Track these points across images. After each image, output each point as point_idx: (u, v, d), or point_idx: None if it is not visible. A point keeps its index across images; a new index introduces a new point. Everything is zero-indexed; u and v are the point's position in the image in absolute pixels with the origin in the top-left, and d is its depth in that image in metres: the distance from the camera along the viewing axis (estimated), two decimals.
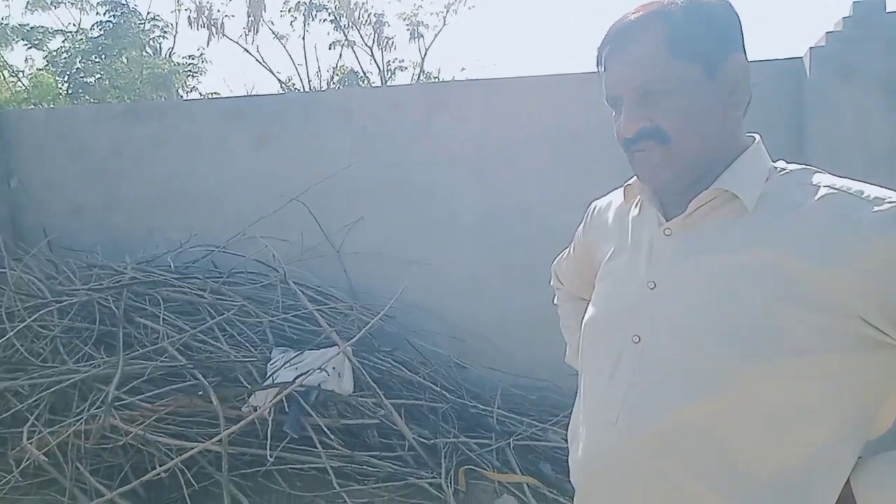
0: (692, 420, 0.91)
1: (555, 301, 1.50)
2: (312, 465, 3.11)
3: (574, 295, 1.42)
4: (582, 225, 1.29)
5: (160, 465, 3.04)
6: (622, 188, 1.12)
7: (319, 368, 3.17)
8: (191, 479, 3.00)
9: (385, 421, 3.25)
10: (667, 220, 1.01)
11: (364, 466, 3.11)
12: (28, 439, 3.10)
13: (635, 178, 1.06)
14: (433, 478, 3.00)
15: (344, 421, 3.25)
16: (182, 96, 13.61)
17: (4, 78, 11.90)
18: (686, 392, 0.91)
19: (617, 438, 0.97)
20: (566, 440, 3.31)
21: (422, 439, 3.19)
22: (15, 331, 3.41)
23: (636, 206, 1.10)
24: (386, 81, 17.59)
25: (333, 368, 3.30)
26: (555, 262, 1.47)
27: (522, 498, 2.92)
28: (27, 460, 3.11)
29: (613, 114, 1.02)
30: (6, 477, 3.13)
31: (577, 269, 1.34)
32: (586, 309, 1.14)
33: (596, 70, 1.04)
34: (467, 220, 4.09)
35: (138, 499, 3.00)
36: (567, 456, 3.27)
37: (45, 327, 3.68)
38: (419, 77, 18.10)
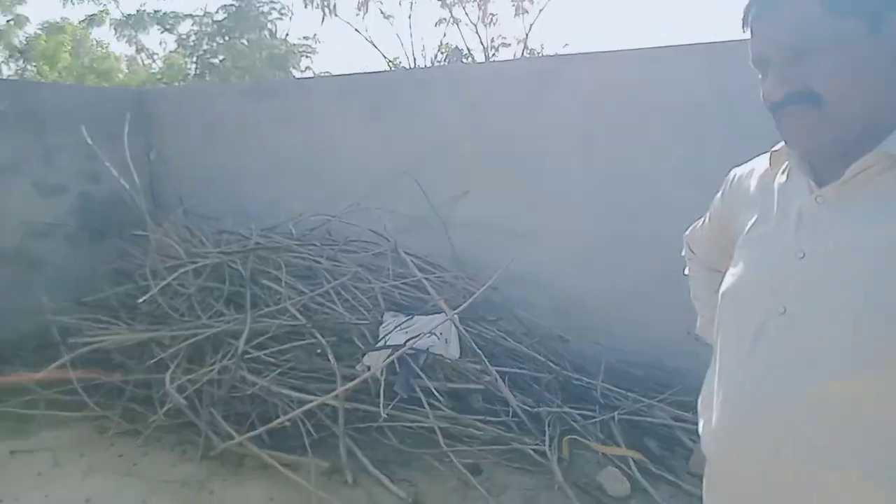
0: (840, 396, 0.87)
1: (685, 271, 1.48)
2: (421, 425, 3.25)
3: (707, 265, 1.38)
4: (720, 193, 1.24)
5: (283, 415, 3.30)
6: (768, 154, 1.08)
7: (429, 333, 3.29)
8: (311, 429, 3.24)
9: (489, 387, 3.34)
10: (819, 188, 0.96)
11: (469, 429, 3.22)
12: (170, 385, 3.45)
13: (782, 143, 1.01)
14: (537, 445, 3.06)
15: (450, 384, 3.37)
16: (296, 76, 14.28)
17: (142, 61, 13.02)
18: (836, 366, 0.87)
19: (756, 410, 0.95)
20: (674, 418, 3.25)
21: (525, 407, 3.25)
22: (158, 288, 3.78)
23: (783, 172, 1.05)
24: (489, 58, 17.50)
25: (441, 334, 3.43)
26: (687, 231, 1.43)
27: (627, 471, 2.92)
28: (169, 403, 3.47)
29: (760, 76, 0.97)
30: (152, 417, 3.52)
31: (713, 238, 1.30)
32: (721, 280, 1.11)
33: (742, 32, 1.00)
34: (575, 194, 4.06)
35: (263, 444, 3.27)
36: (673, 433, 3.19)
37: (183, 286, 4.06)
38: (522, 54, 17.86)
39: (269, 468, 3.15)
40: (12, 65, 11.02)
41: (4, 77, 10.44)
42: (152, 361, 3.70)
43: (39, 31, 10.92)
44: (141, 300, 3.68)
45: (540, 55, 17.77)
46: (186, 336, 3.64)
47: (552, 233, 4.13)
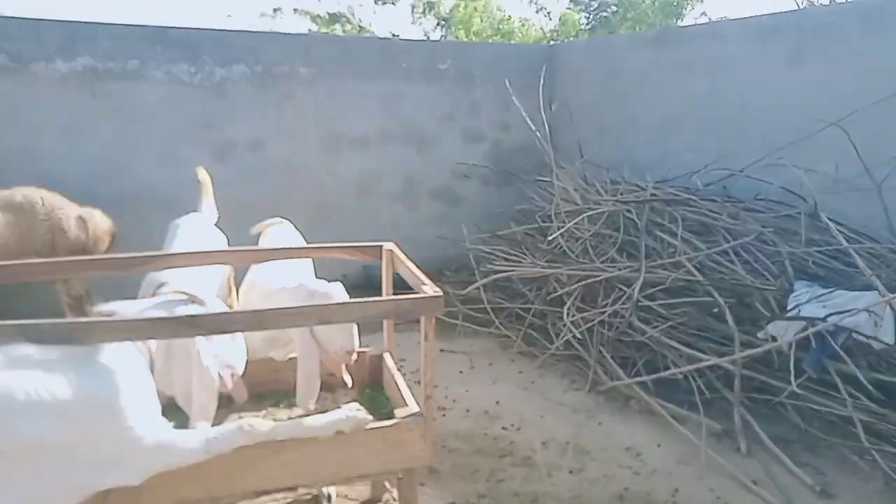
0: None
1: None
2: (833, 411, 2.89)
3: None
4: None
5: (672, 368, 3.30)
6: None
7: (857, 311, 2.85)
8: (702, 386, 3.16)
9: None
10: None
11: None
12: (566, 319, 3.75)
13: None
14: None
15: (876, 374, 2.88)
16: (686, 23, 13.50)
17: (539, 20, 14.00)
18: None
19: None
20: None
21: None
22: (561, 231, 4.07)
23: None
24: None
25: (870, 315, 2.94)
26: None
27: None
28: (564, 336, 3.79)
29: None
30: (549, 345, 3.89)
31: None
32: None
33: None
34: None
35: (647, 391, 3.33)
36: None
37: (578, 230, 4.31)
38: None
39: (655, 415, 3.21)
40: (438, 31, 13.03)
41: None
42: (551, 296, 4.07)
43: (459, 0, 12.65)
44: (550, 238, 4.03)
45: None
46: (582, 276, 3.88)
47: None
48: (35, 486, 1.53)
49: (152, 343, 1.88)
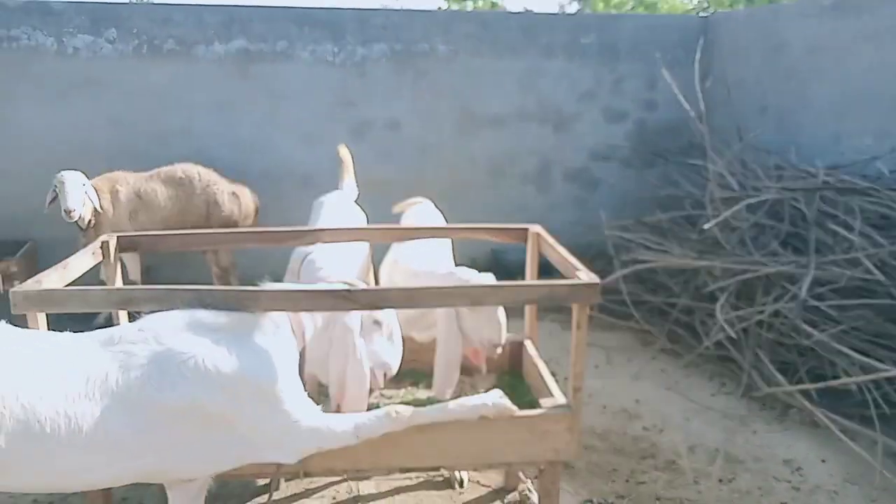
0: None
1: None
2: None
3: None
4: None
5: (840, 377, 2.93)
6: None
7: None
8: (878, 399, 2.79)
9: None
10: None
11: None
12: (720, 317, 3.43)
13: None
14: None
15: None
16: None
17: None
18: None
19: None
20: None
21: None
22: (716, 221, 3.70)
23: None
24: None
25: None
26: None
27: None
28: (714, 335, 3.48)
29: None
30: (697, 344, 3.60)
31: None
32: None
33: None
34: None
35: (809, 400, 2.98)
36: None
37: (736, 219, 3.93)
38: None
39: (819, 427, 2.89)
40: (574, 5, 12.58)
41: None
42: (700, 291, 3.75)
43: None
44: (705, 227, 3.71)
45: None
46: (738, 271, 3.54)
47: None
48: (200, 449, 1.60)
49: (308, 330, 1.90)
